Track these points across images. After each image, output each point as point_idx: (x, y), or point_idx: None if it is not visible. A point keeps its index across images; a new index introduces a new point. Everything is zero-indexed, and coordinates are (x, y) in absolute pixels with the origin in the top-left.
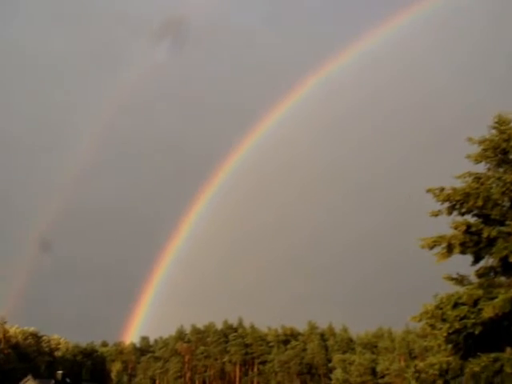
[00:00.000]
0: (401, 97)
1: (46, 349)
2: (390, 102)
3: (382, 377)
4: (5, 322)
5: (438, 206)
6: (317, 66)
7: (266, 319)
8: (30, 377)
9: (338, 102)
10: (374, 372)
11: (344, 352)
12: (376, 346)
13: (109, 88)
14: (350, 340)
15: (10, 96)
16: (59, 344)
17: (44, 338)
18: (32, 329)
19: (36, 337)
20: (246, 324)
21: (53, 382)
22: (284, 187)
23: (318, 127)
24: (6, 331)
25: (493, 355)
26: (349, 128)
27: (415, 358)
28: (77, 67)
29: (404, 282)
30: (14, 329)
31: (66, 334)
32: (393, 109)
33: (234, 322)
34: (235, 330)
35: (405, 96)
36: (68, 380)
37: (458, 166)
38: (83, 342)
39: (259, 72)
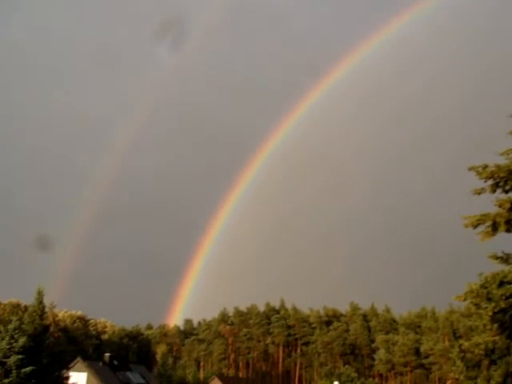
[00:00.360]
0: None
1: (93, 332)
2: None
3: (426, 357)
4: (54, 307)
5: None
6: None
7: (308, 301)
8: (79, 359)
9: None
10: (417, 352)
11: (387, 332)
12: (419, 326)
13: None
14: (393, 320)
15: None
16: (105, 327)
17: (91, 321)
18: (79, 312)
19: (83, 320)
20: (288, 306)
21: (101, 364)
22: (320, 169)
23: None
24: (55, 315)
25: None
26: (381, 103)
27: (460, 337)
28: None
29: (447, 261)
30: (62, 313)
31: (111, 317)
32: None
33: (275, 303)
34: (277, 311)
35: None
36: (115, 362)
37: None
38: (129, 325)
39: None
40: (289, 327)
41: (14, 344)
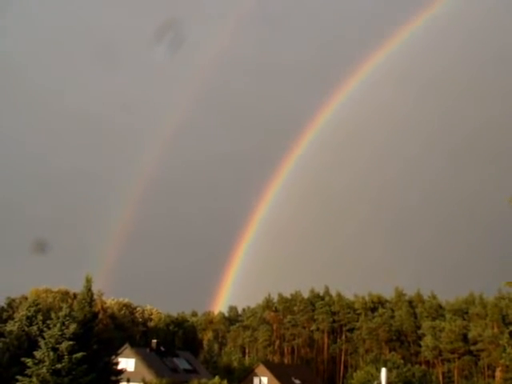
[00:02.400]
0: None
1: (140, 319)
2: None
3: (474, 343)
4: (102, 294)
5: None
6: None
7: (352, 287)
8: (127, 345)
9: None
10: (465, 339)
11: (433, 319)
12: (467, 313)
13: None
14: (440, 306)
15: None
16: (152, 314)
17: (138, 308)
18: (126, 300)
19: (130, 308)
20: (333, 292)
21: (148, 350)
22: (363, 151)
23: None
24: (103, 303)
25: None
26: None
27: (509, 324)
28: None
29: (496, 248)
30: (109, 300)
31: (157, 304)
32: None
33: (320, 290)
34: (322, 298)
35: None
36: (162, 348)
37: None
38: (174, 312)
39: None
40: (333, 314)
41: (65, 330)
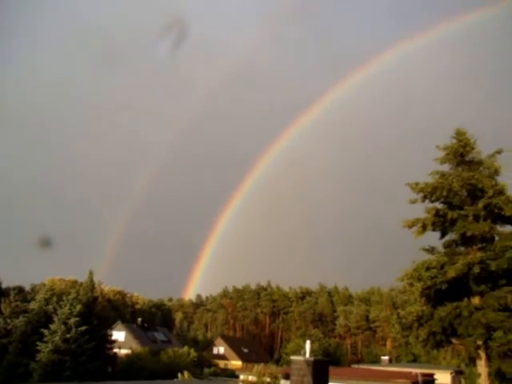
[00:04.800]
0: None
1: (129, 303)
2: None
3: (373, 322)
4: (101, 283)
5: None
6: None
7: (288, 281)
8: (119, 322)
9: None
10: (367, 319)
11: (345, 305)
12: (369, 300)
13: None
14: (350, 296)
15: None
16: (138, 299)
17: (128, 294)
18: (119, 288)
19: (122, 294)
20: (273, 285)
21: (135, 326)
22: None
23: None
24: (102, 289)
25: (454, 304)
26: None
27: (398, 308)
28: None
29: (391, 254)
30: (107, 288)
31: (143, 291)
32: None
33: (264, 283)
34: (265, 289)
35: None
36: (145, 325)
37: None
38: (155, 297)
39: None
40: (273, 301)
41: (73, 309)
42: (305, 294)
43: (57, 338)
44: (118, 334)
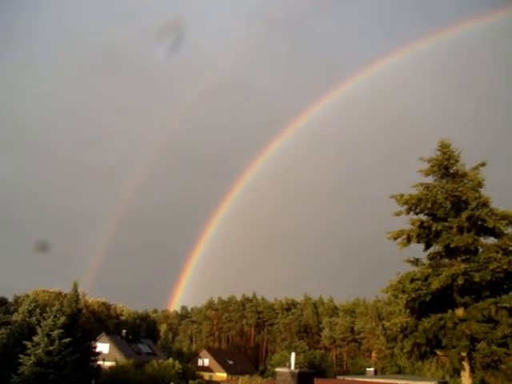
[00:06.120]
0: None
1: (114, 314)
2: None
3: (358, 334)
4: (85, 294)
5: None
6: None
7: (273, 292)
8: (103, 334)
9: None
10: (352, 330)
11: (331, 316)
12: (354, 312)
13: None
14: (335, 307)
15: None
16: (123, 311)
17: (112, 306)
18: (104, 299)
19: (107, 305)
20: (258, 296)
21: (119, 337)
22: (291, 181)
23: None
24: (86, 301)
25: (438, 315)
26: None
27: (383, 319)
28: None
29: (377, 265)
30: (91, 299)
31: (127, 303)
32: None
33: (249, 294)
34: (250, 300)
35: None
36: (130, 337)
37: None
38: (140, 309)
39: None
40: (259, 312)
41: (57, 321)
42: (290, 306)
43: (40, 350)
44: (102, 346)
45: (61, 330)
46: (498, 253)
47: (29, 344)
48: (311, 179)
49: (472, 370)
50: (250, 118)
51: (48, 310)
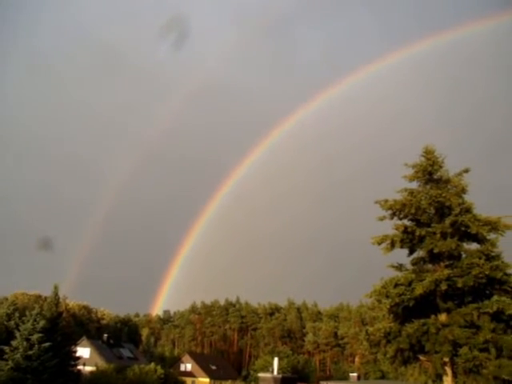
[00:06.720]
0: None
1: (95, 318)
2: None
3: (342, 339)
4: (66, 298)
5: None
6: None
7: (256, 297)
8: (84, 338)
9: None
10: (336, 335)
11: (314, 321)
12: (338, 316)
13: None
14: (319, 312)
15: None
16: (104, 314)
17: (93, 309)
18: (85, 303)
19: (88, 309)
20: (242, 301)
21: (100, 342)
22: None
23: None
24: (67, 304)
25: (422, 321)
26: None
27: (366, 324)
28: None
29: (360, 269)
30: (72, 303)
31: (109, 307)
32: None
33: (232, 299)
34: (234, 305)
35: None
36: (111, 341)
37: None
38: (121, 313)
39: None
40: (242, 317)
41: (36, 325)
42: (274, 310)
43: (18, 355)
44: (83, 351)
45: (40, 334)
46: (480, 258)
47: (7, 349)
48: (299, 182)
49: (454, 375)
50: (237, 118)
51: (27, 313)
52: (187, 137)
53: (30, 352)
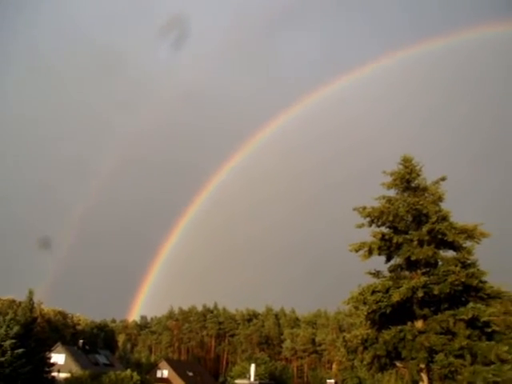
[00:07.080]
0: None
1: (71, 324)
2: None
3: (320, 345)
4: (41, 303)
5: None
6: None
7: (234, 303)
8: (59, 344)
9: None
10: (313, 342)
11: (292, 327)
12: (315, 323)
13: None
14: (297, 319)
15: None
16: (80, 320)
17: (69, 315)
18: (60, 308)
19: (63, 314)
20: (220, 307)
21: (76, 348)
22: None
23: None
24: (41, 310)
25: (399, 327)
26: None
27: (344, 331)
28: None
29: (337, 276)
30: (47, 308)
31: (85, 312)
32: None
33: (210, 305)
34: (211, 311)
35: None
36: (87, 347)
37: None
38: (98, 318)
39: None
40: (220, 323)
41: (10, 331)
42: (251, 317)
43: None
44: (58, 357)
45: (13, 340)
46: (456, 266)
47: None
48: (280, 189)
49: (430, 382)
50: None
51: (0, 318)
52: (170, 139)
53: (2, 359)
